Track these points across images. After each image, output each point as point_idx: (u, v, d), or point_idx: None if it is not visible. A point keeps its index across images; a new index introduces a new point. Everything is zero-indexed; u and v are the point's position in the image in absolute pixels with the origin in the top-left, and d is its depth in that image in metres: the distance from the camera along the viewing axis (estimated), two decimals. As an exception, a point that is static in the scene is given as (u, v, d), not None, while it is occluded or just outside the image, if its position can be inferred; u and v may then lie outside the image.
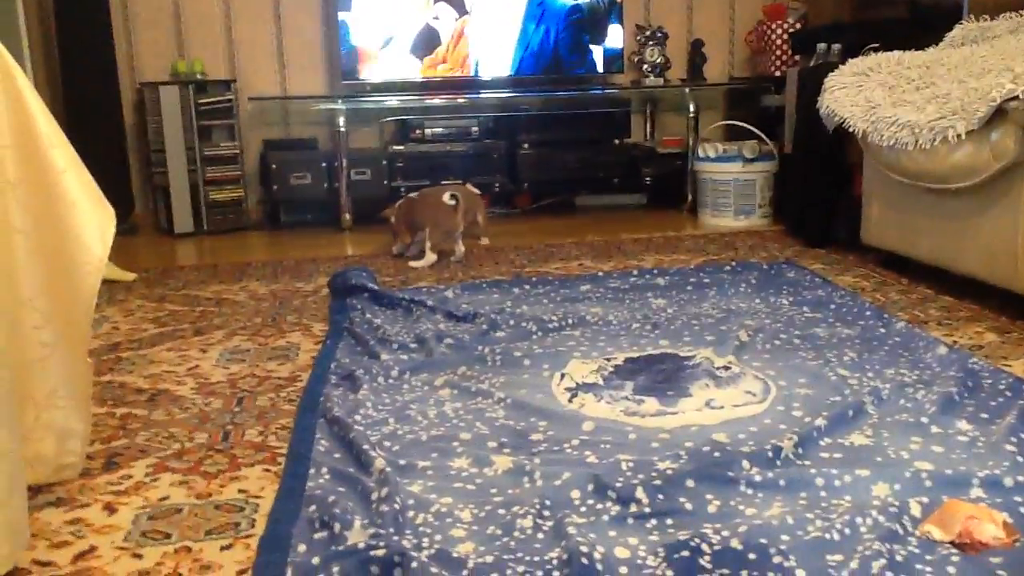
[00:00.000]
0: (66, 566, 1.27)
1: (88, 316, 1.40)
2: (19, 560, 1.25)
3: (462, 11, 4.16)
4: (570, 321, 2.33)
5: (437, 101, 4.21)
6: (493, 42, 4.22)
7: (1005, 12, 2.99)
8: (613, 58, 4.37)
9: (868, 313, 2.33)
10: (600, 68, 4.38)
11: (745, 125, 4.01)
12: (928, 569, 1.16)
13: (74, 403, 1.45)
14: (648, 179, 4.32)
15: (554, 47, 4.29)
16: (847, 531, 1.23)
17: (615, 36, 4.35)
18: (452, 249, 3.27)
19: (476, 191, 3.49)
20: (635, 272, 2.88)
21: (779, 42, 4.30)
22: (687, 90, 4.34)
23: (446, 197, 3.23)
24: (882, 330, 2.19)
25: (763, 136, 3.93)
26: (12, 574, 1.22)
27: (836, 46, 3.63)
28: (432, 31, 4.16)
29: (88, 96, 3.82)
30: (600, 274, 2.90)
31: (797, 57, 4.05)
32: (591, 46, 4.33)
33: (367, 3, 4.07)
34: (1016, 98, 2.18)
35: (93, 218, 1.36)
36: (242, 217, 4.10)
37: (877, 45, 3.29)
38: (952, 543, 1.22)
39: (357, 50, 4.10)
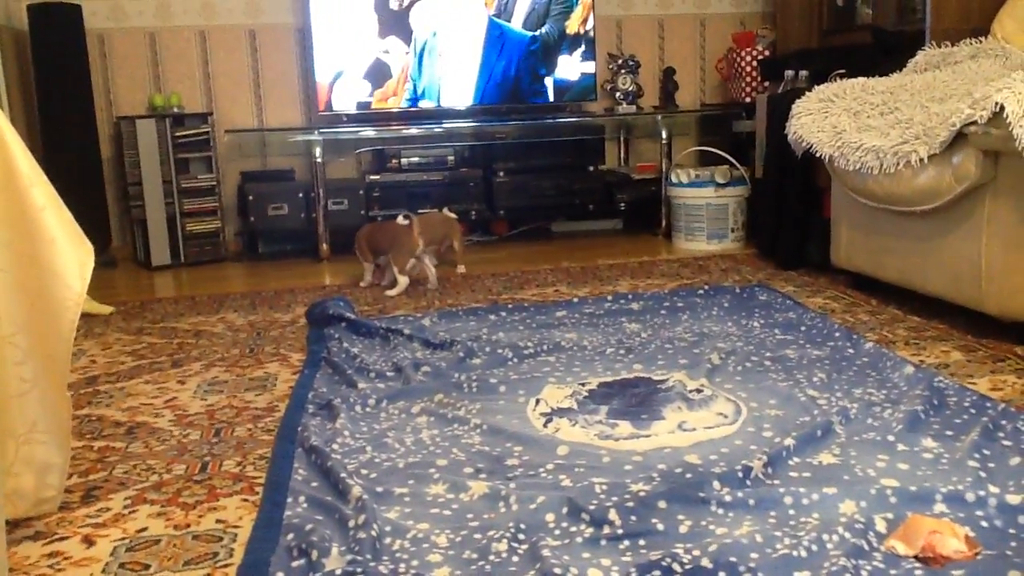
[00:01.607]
0: (45, 599, 1.28)
1: (67, 351, 1.42)
2: (-2, 594, 1.26)
3: (391, 47, 4.20)
4: (545, 347, 2.36)
5: (413, 131, 4.25)
6: (460, 72, 4.28)
7: (965, 38, 3.08)
8: (587, 87, 4.44)
9: (837, 334, 2.38)
10: (572, 96, 4.45)
11: (717, 151, 4.08)
12: (892, 583, 1.19)
13: (54, 437, 1.46)
14: (623, 205, 4.37)
15: (516, 76, 4.35)
16: (814, 548, 1.26)
17: (588, 65, 4.41)
18: (424, 276, 3.30)
19: (453, 216, 3.53)
20: (609, 297, 2.92)
21: (748, 69, 4.39)
22: (660, 117, 4.41)
23: (400, 218, 3.28)
24: (851, 351, 2.24)
25: (734, 162, 3.99)
26: (-9, 608, 1.23)
27: (803, 72, 3.72)
28: (383, 64, 4.20)
29: (65, 130, 3.84)
30: (575, 300, 2.94)
31: (766, 83, 4.13)
32: (563, 75, 4.40)
33: (327, 37, 4.12)
34: (975, 123, 2.25)
35: (72, 255, 1.38)
36: (220, 249, 4.12)
37: (843, 71, 3.37)
38: (916, 557, 1.25)
39: (331, 82, 4.15)
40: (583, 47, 4.40)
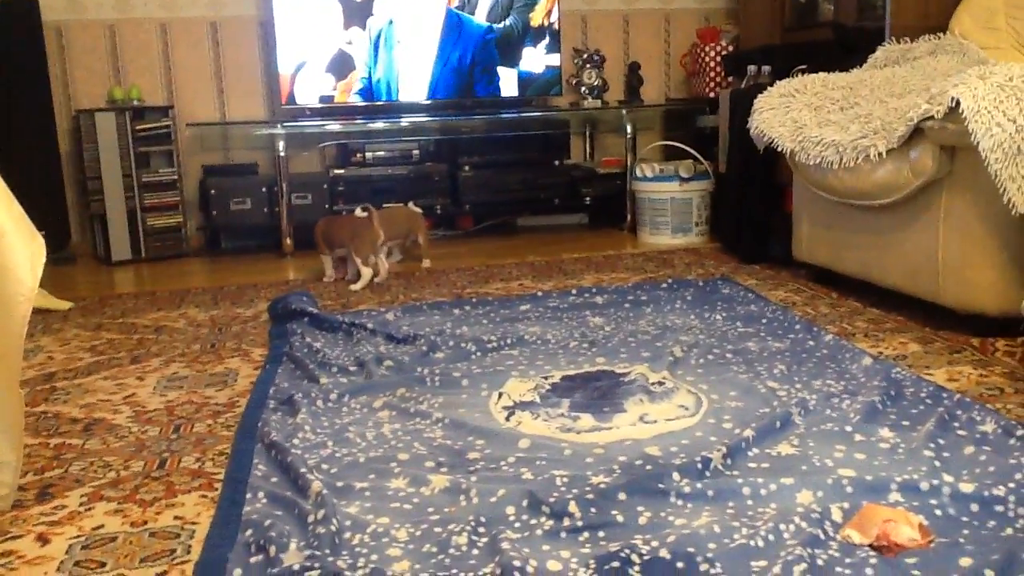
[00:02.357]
0: (-3, 599, 1.26)
1: (19, 347, 1.40)
2: (-52, 594, 1.24)
3: (352, 39, 4.17)
4: (509, 341, 2.36)
5: (378, 125, 4.23)
6: (422, 64, 4.26)
7: (924, 35, 3.11)
8: (552, 81, 4.44)
9: (798, 327, 2.40)
10: (537, 91, 4.45)
11: (681, 145, 4.10)
12: (848, 572, 1.21)
13: (5, 435, 1.44)
14: (588, 199, 4.38)
15: (479, 70, 4.35)
16: (771, 537, 1.27)
17: (553, 59, 4.42)
18: (377, 270, 3.27)
19: (417, 210, 3.52)
20: (574, 291, 2.93)
21: (713, 64, 4.42)
22: (625, 111, 4.43)
23: (358, 211, 3.28)
24: (811, 343, 2.26)
25: (698, 156, 4.02)
26: (-59, 609, 1.21)
27: (766, 68, 3.75)
28: (346, 56, 4.18)
29: (22, 123, 3.77)
30: (539, 294, 2.94)
31: (730, 79, 4.16)
32: (528, 69, 4.40)
33: (290, 29, 4.08)
34: (932, 118, 2.27)
35: (23, 249, 1.36)
36: (181, 244, 4.08)
37: (804, 67, 3.40)
38: (871, 546, 1.27)
39: (293, 75, 4.11)
40: (548, 41, 4.40)
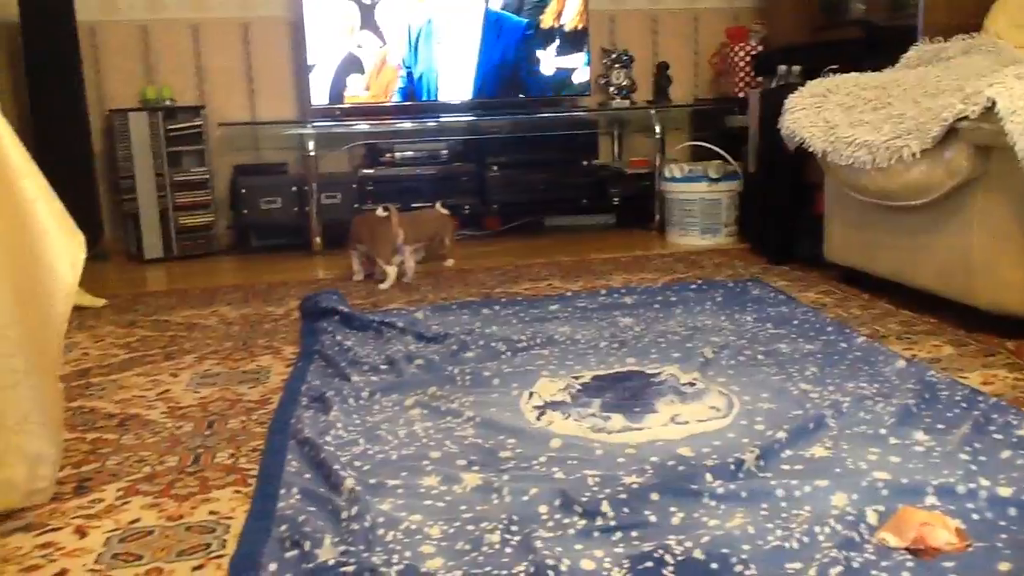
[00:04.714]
0: (37, 590, 1.28)
1: (59, 342, 1.42)
2: (-10, 585, 1.26)
3: (383, 39, 4.20)
4: (539, 340, 2.36)
5: (406, 125, 4.25)
6: (452, 65, 4.27)
7: (958, 34, 3.08)
8: (581, 81, 4.44)
9: (829, 328, 2.38)
10: (568, 91, 4.45)
11: (710, 146, 4.09)
12: (883, 575, 1.20)
13: (45, 429, 1.46)
14: (616, 199, 4.38)
15: (509, 71, 4.35)
16: (806, 540, 1.27)
17: (581, 60, 4.42)
18: (401, 268, 3.29)
19: (445, 212, 3.53)
20: (603, 291, 2.93)
21: (742, 64, 4.39)
22: (653, 112, 4.41)
23: (379, 210, 3.29)
24: (843, 345, 2.25)
25: (727, 156, 4.00)
26: (-17, 599, 1.23)
27: (796, 68, 3.72)
28: (377, 57, 4.20)
29: (57, 123, 3.82)
30: (568, 294, 2.94)
31: (759, 78, 4.14)
32: (556, 70, 4.40)
33: (321, 29, 4.11)
34: (966, 118, 2.25)
35: (64, 246, 1.38)
36: (212, 242, 4.11)
37: (836, 67, 3.38)
38: (907, 549, 1.26)
39: (322, 75, 4.14)
40: (576, 41, 4.40)
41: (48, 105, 3.81)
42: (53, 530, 1.45)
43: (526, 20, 4.33)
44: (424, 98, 4.28)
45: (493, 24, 4.28)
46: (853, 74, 3.12)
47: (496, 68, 4.33)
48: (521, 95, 4.40)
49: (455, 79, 4.29)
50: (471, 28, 4.27)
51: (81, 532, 1.44)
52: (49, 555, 1.37)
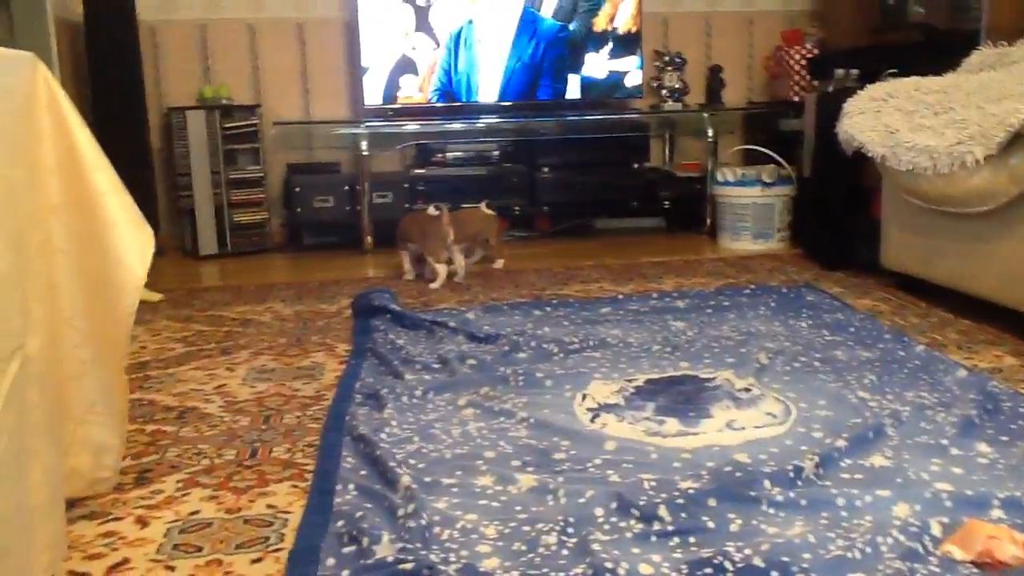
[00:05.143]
0: (101, 578, 1.31)
1: (126, 334, 1.44)
2: (56, 571, 1.28)
3: (436, 41, 4.22)
4: (591, 343, 2.35)
5: (457, 125, 4.26)
6: (505, 68, 4.28)
7: (1022, 38, 3.01)
8: (633, 84, 4.42)
9: (887, 336, 2.35)
10: (620, 94, 4.44)
11: (763, 150, 4.04)
12: (949, 588, 1.18)
13: (110, 419, 1.49)
14: (667, 203, 4.35)
15: (560, 72, 4.35)
16: (868, 550, 1.25)
17: (634, 62, 4.40)
18: (453, 267, 3.30)
19: (491, 212, 3.53)
20: (655, 295, 2.91)
21: (797, 67, 4.34)
22: (705, 115, 4.38)
23: (430, 209, 3.31)
24: (901, 353, 2.21)
25: (781, 160, 3.95)
26: (50, 585, 1.25)
27: (853, 71, 3.67)
28: (429, 59, 4.22)
29: (117, 120, 3.89)
30: (620, 297, 2.93)
31: (815, 82, 4.08)
32: (607, 72, 4.39)
33: (375, 31, 4.15)
34: (1034, 124, 2.20)
35: (133, 239, 1.40)
36: (265, 239, 4.16)
37: (895, 70, 3.32)
38: (972, 563, 1.23)
39: (376, 75, 4.17)
40: (628, 43, 4.38)
41: (109, 102, 3.89)
42: (115, 519, 1.48)
43: (577, 23, 4.32)
44: (474, 99, 4.29)
45: (544, 28, 4.28)
46: (913, 78, 3.06)
47: (547, 71, 4.32)
48: (572, 97, 4.39)
49: (505, 81, 4.29)
50: (522, 31, 4.27)
51: (142, 522, 1.47)
52: (112, 544, 1.40)
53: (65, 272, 1.37)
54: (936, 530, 1.30)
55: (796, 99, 4.24)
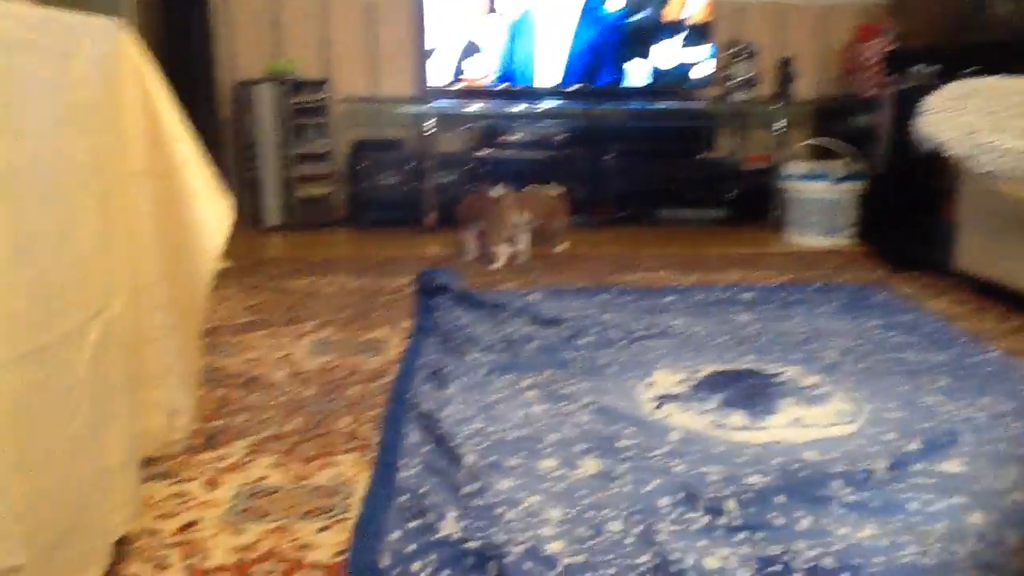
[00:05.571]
0: (171, 536, 1.33)
1: (203, 301, 1.46)
2: (130, 528, 1.31)
3: (505, 24, 4.19)
4: (654, 331, 2.33)
5: (522, 108, 4.24)
6: (573, 53, 4.25)
7: (1115, 39, 2.91)
8: (703, 74, 4.36)
9: (962, 340, 2.29)
10: (688, 84, 4.38)
11: (836, 144, 3.96)
12: (1027, 600, 1.14)
13: (184, 383, 1.51)
14: (732, 194, 4.29)
15: (634, 60, 4.30)
16: (943, 557, 1.22)
17: (704, 51, 4.34)
18: (515, 249, 3.28)
19: (555, 194, 3.50)
20: (720, 286, 2.87)
21: (872, 62, 4.24)
22: (775, 107, 4.30)
23: (495, 189, 3.31)
24: (976, 358, 2.15)
25: (852, 155, 3.87)
26: (122, 540, 1.28)
27: (932, 68, 3.57)
28: (496, 40, 4.20)
29: (189, 92, 3.93)
30: (684, 286, 2.90)
31: (891, 77, 3.98)
32: (677, 62, 4.33)
33: (443, 10, 4.15)
34: None
35: (212, 209, 1.42)
36: (329, 213, 4.20)
37: (978, 68, 3.22)
38: (1052, 576, 1.20)
39: (442, 55, 4.17)
40: (699, 33, 4.32)
41: (182, 74, 3.93)
42: (186, 480, 1.50)
43: (648, 11, 4.27)
44: (540, 84, 4.27)
45: (607, 15, 4.24)
46: (996, 77, 2.97)
47: (615, 57, 4.28)
48: (640, 84, 4.34)
49: (573, 66, 4.26)
50: (592, 17, 4.23)
51: (212, 484, 1.49)
52: (183, 503, 1.42)
53: (147, 238, 1.40)
54: (1014, 542, 1.26)
55: (869, 94, 4.14)
